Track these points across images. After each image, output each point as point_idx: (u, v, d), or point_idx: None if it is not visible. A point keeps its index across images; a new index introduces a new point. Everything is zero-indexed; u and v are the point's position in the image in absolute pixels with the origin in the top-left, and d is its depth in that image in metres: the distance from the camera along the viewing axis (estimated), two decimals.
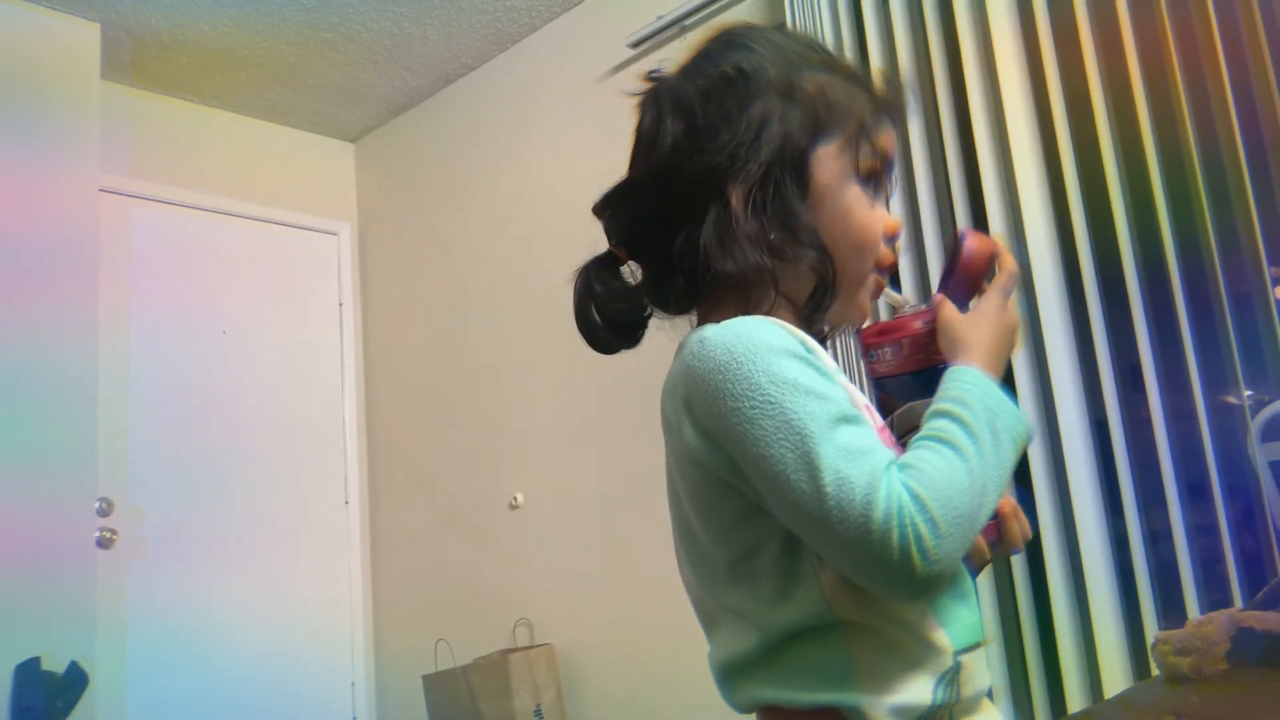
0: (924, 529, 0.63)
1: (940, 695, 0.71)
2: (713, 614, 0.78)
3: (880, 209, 0.82)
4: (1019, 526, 0.79)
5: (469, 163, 3.49)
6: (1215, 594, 1.77)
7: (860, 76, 0.83)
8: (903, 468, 0.66)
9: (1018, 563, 1.99)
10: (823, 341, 0.83)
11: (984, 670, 0.76)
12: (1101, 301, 1.94)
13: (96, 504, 2.83)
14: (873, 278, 0.83)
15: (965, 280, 0.81)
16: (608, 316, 0.82)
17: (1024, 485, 1.96)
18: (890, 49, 2.27)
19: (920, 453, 0.68)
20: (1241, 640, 0.93)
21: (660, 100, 0.81)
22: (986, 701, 0.78)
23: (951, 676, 0.72)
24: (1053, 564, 1.93)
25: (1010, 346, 0.79)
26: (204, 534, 3.22)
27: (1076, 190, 1.98)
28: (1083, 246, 1.96)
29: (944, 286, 0.82)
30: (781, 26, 2.32)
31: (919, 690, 0.70)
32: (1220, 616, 0.96)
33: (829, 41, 2.30)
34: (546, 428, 3.12)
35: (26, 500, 2.49)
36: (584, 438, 3.00)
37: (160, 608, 3.05)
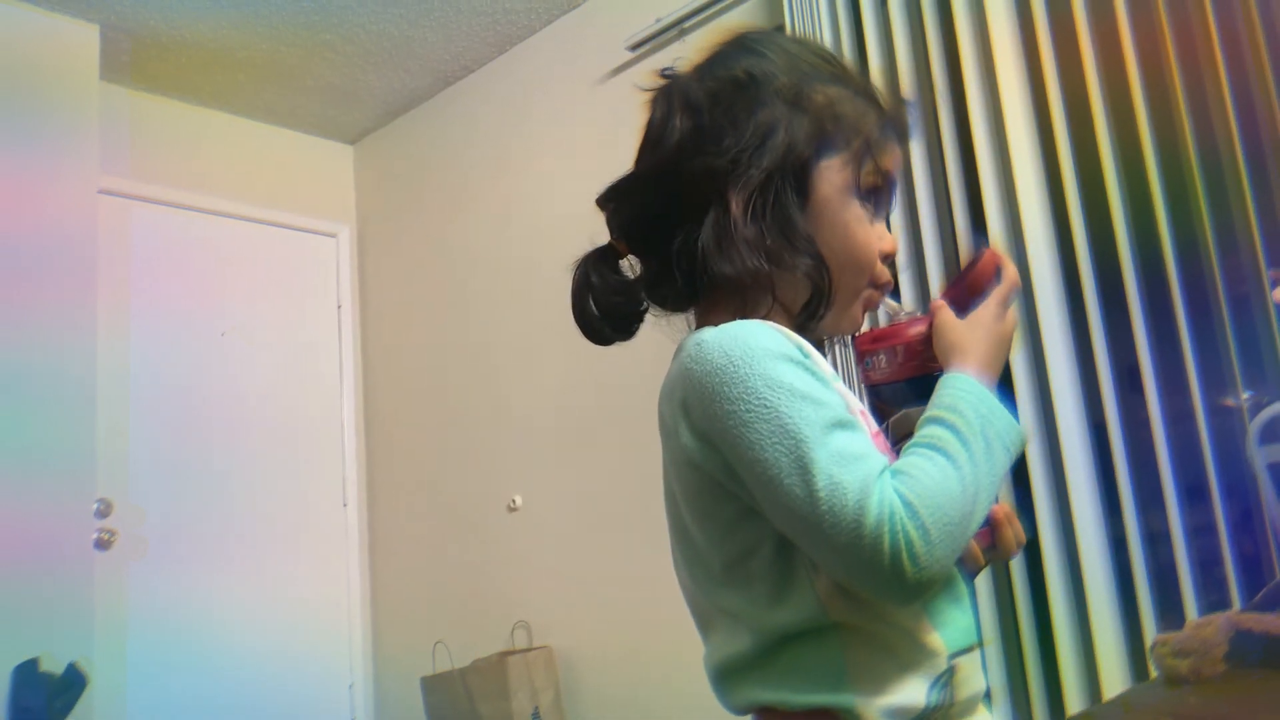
0: (914, 535, 0.64)
1: (934, 698, 0.71)
2: (708, 616, 0.78)
3: (879, 226, 0.82)
4: (1013, 532, 0.80)
5: (468, 164, 3.50)
6: (1214, 596, 1.77)
7: (871, 92, 0.82)
8: (895, 474, 0.67)
9: (1017, 564, 1.99)
10: (820, 347, 0.83)
11: (979, 674, 0.76)
12: (1100, 303, 1.94)
13: (95, 505, 2.83)
14: (867, 291, 0.83)
15: (968, 289, 0.81)
16: (604, 308, 0.82)
17: (1022, 488, 1.96)
18: (889, 52, 2.27)
19: (913, 459, 0.68)
20: (1240, 642, 0.93)
21: (671, 98, 0.82)
22: (982, 706, 0.78)
23: (946, 679, 0.72)
24: (1051, 566, 1.93)
25: (1005, 355, 0.79)
26: (203, 535, 3.22)
27: (1075, 192, 1.98)
28: (1082, 248, 1.96)
29: (946, 293, 0.82)
30: (798, 35, 2.32)
31: (913, 693, 0.71)
32: (1219, 618, 0.96)
33: (828, 45, 2.31)
34: (545, 430, 3.12)
35: (25, 501, 2.50)
36: (582, 440, 3.00)
37: (160, 608, 3.05)
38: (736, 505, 0.72)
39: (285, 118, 3.70)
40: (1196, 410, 1.79)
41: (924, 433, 0.71)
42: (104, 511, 2.96)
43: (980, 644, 0.77)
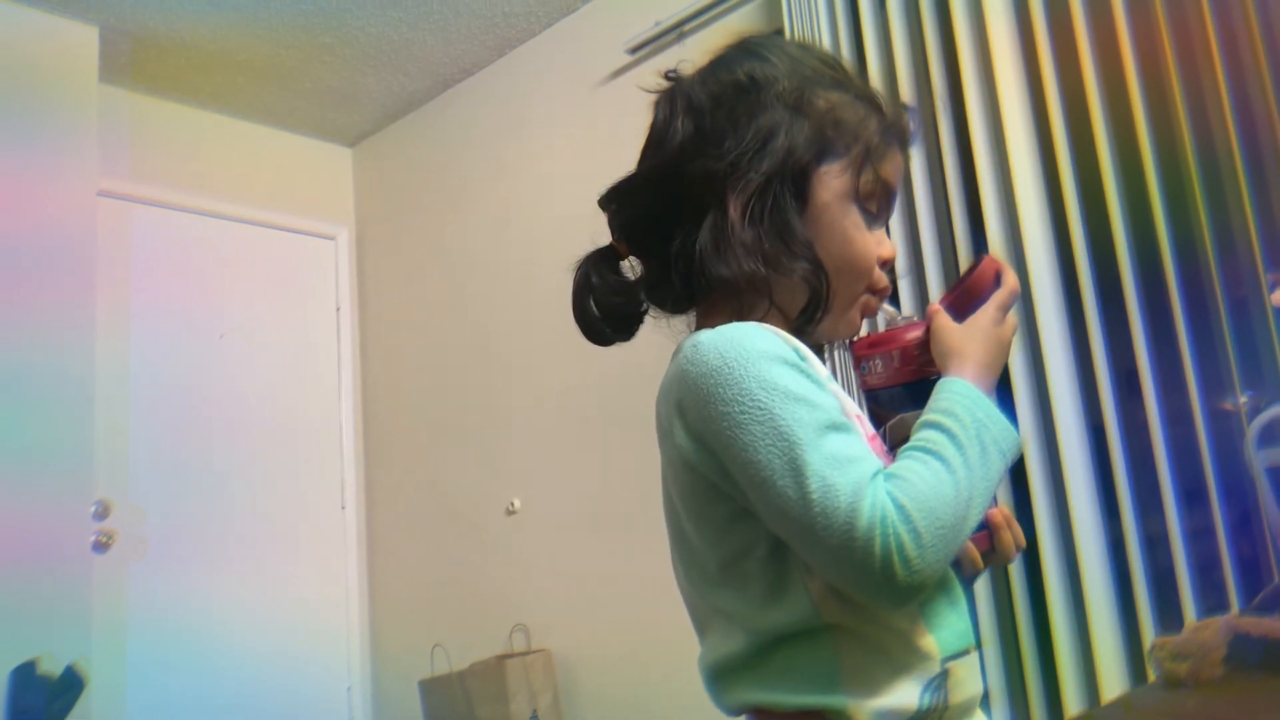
0: (906, 538, 0.64)
1: (927, 700, 0.71)
2: (704, 616, 0.79)
3: (879, 233, 0.82)
4: (1012, 536, 0.79)
5: (467, 167, 3.50)
6: (1212, 599, 1.77)
7: (873, 98, 0.82)
8: (889, 477, 0.67)
9: (1015, 567, 1.99)
10: (820, 352, 0.83)
11: (976, 677, 0.76)
12: (1099, 306, 1.94)
13: (94, 506, 2.82)
14: (865, 297, 0.83)
15: (966, 295, 0.81)
16: (605, 309, 0.83)
17: (1021, 490, 1.96)
18: (888, 56, 2.27)
19: (907, 463, 0.69)
20: (1239, 645, 0.93)
21: (674, 100, 0.82)
22: (979, 710, 0.78)
23: (939, 682, 0.72)
24: (1050, 568, 1.93)
25: (1003, 360, 0.78)
26: (202, 536, 3.22)
27: (1074, 194, 1.98)
28: (1080, 251, 1.96)
29: (944, 299, 0.82)
30: (803, 41, 2.33)
31: (906, 695, 0.71)
32: (1218, 621, 0.96)
33: (826, 47, 2.31)
34: (544, 433, 3.12)
35: (24, 502, 2.49)
36: (581, 443, 3.00)
37: (159, 609, 3.05)
38: (731, 506, 0.72)
39: (284, 120, 3.70)
40: (1195, 413, 1.79)
41: (919, 437, 0.71)
42: (103, 512, 2.96)
43: (976, 648, 0.77)
